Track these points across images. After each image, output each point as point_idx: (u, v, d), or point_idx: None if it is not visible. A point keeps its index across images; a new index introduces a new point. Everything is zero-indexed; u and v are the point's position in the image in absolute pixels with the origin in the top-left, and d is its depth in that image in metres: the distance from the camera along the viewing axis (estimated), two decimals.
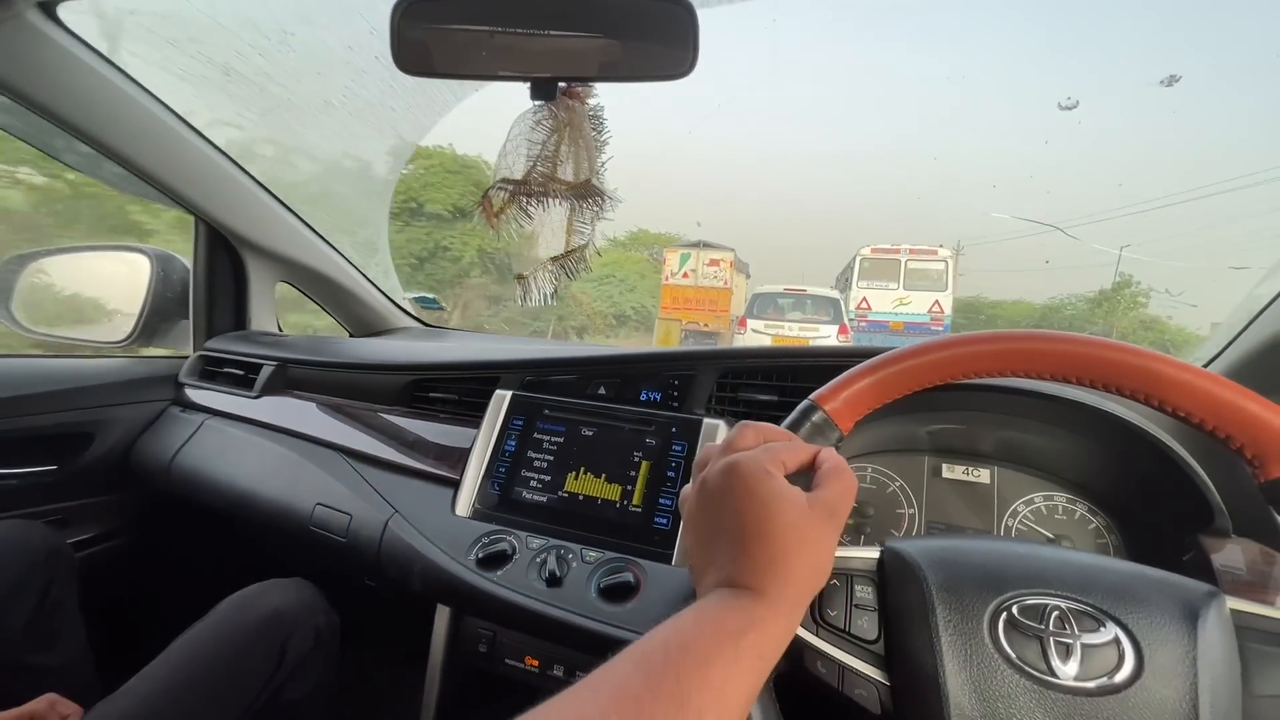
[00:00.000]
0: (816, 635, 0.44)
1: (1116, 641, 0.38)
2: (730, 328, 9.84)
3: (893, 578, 0.45)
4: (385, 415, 1.08)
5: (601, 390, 0.94)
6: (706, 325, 10.79)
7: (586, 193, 0.65)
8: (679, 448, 0.83)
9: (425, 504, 0.89)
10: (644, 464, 0.84)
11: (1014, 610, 0.40)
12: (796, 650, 0.44)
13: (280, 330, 1.52)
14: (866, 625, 0.44)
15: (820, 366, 0.86)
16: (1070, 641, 0.39)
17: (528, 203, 0.66)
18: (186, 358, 1.34)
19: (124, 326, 1.31)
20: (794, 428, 0.48)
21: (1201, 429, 0.43)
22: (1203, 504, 0.67)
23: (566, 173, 0.67)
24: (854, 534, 0.87)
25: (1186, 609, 0.39)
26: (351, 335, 1.64)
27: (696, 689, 0.33)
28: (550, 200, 0.67)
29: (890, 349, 0.53)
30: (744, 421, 0.47)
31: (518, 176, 0.65)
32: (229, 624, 0.77)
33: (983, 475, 0.85)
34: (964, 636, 0.40)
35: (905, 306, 11.09)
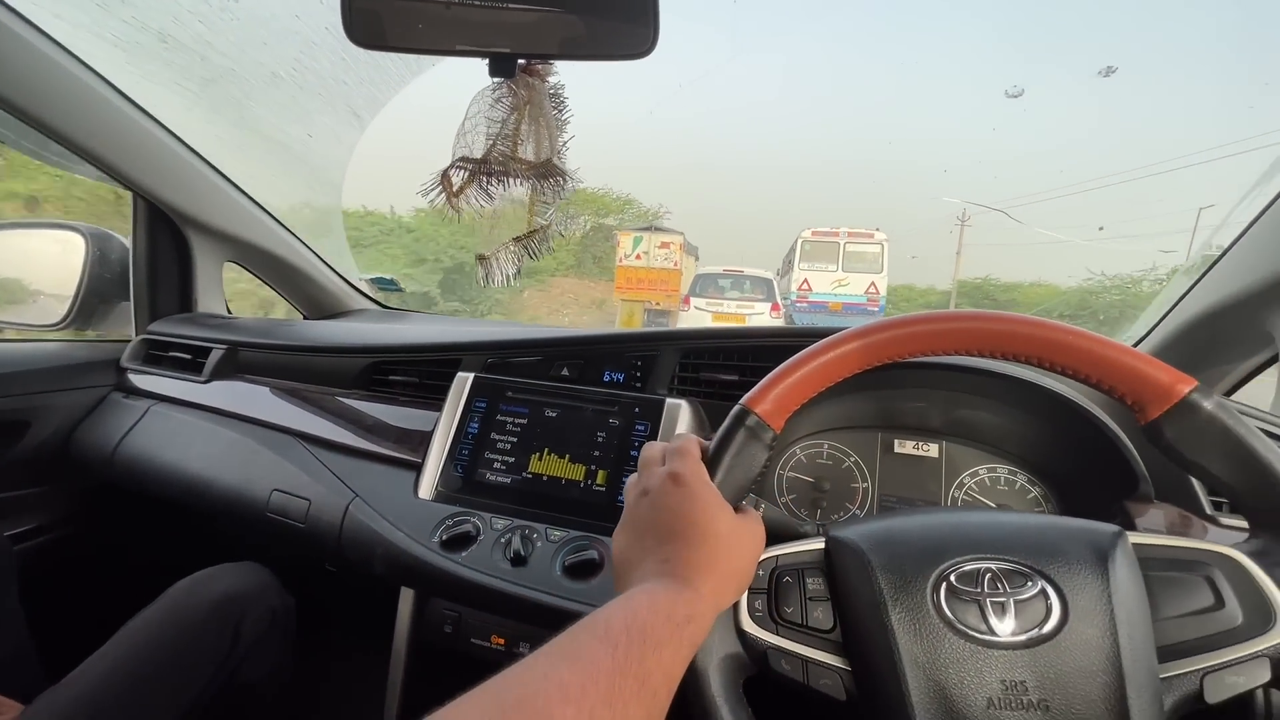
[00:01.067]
0: (777, 635, 0.45)
1: (1044, 593, 0.42)
2: (680, 306, 10.21)
3: (840, 565, 0.47)
4: (343, 399, 1.05)
5: (565, 371, 0.94)
6: (658, 304, 11.35)
7: (547, 172, 0.65)
8: (642, 427, 0.85)
9: (387, 488, 0.88)
10: (608, 444, 0.85)
11: (952, 579, 0.43)
12: (760, 652, 0.45)
13: (229, 312, 1.46)
14: (822, 616, 0.46)
15: (780, 346, 0.88)
16: (1004, 600, 0.42)
17: (488, 182, 0.65)
18: (128, 341, 1.28)
19: (58, 309, 1.24)
20: (729, 433, 0.50)
21: (1089, 383, 0.47)
22: (1129, 472, 0.72)
23: (527, 152, 0.66)
24: (811, 508, 0.90)
25: (1098, 552, 0.42)
26: (306, 318, 1.59)
27: (653, 669, 0.35)
28: (511, 180, 0.66)
29: (837, 329, 0.55)
30: (649, 444, 0.51)
31: (477, 155, 0.64)
32: (178, 608, 0.75)
33: (931, 450, 0.89)
34: (911, 611, 0.42)
35: (844, 288, 11.54)
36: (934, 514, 0.50)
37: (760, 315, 9.36)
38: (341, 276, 1.59)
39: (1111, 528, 0.45)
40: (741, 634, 0.46)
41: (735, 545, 0.44)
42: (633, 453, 0.83)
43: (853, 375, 0.51)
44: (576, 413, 0.88)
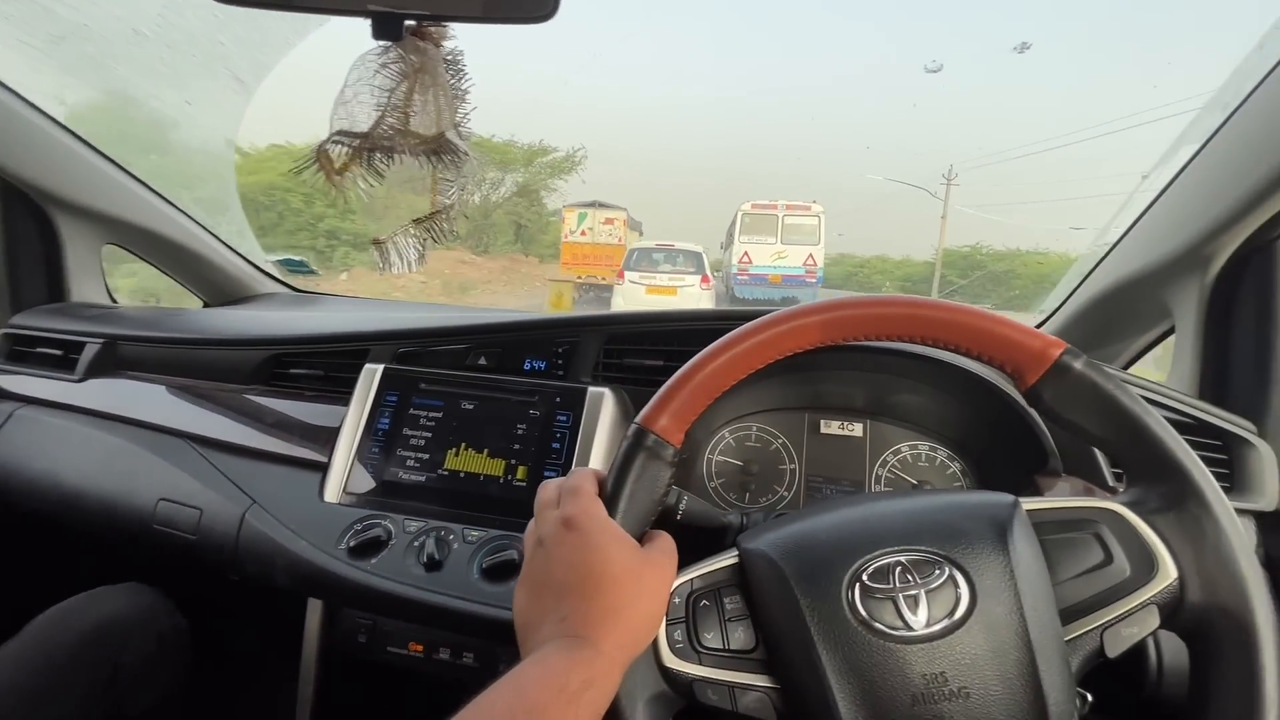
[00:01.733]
0: (700, 664, 0.44)
1: (952, 579, 0.41)
2: (615, 280, 10.32)
3: (754, 579, 0.45)
4: (241, 396, 0.97)
5: (482, 360, 0.89)
6: (604, 279, 11.25)
7: (441, 148, 0.59)
8: (564, 418, 0.81)
9: (289, 492, 0.81)
10: (528, 436, 0.81)
11: (864, 578, 0.42)
12: (685, 686, 0.43)
13: (113, 301, 1.32)
14: (743, 636, 0.44)
15: (703, 330, 0.85)
16: (916, 593, 0.41)
17: (378, 159, 0.59)
18: None
19: None
20: (629, 457, 0.47)
21: (971, 355, 0.47)
22: (1039, 447, 0.74)
23: (421, 125, 0.60)
24: (740, 492, 0.89)
25: (997, 527, 0.43)
26: (207, 304, 1.46)
27: None
28: (405, 157, 0.60)
29: (756, 311, 0.53)
30: (543, 483, 0.49)
31: (362, 128, 0.57)
32: (44, 643, 0.67)
33: (856, 429, 0.90)
34: (829, 618, 0.41)
35: (783, 260, 11.76)
36: (840, 509, 0.48)
37: (691, 287, 9.57)
38: (244, 258, 1.46)
39: (1007, 498, 0.45)
40: (664, 670, 0.44)
41: (639, 587, 0.41)
42: (555, 444, 0.80)
43: (750, 374, 0.49)
44: (495, 404, 0.83)
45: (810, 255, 11.69)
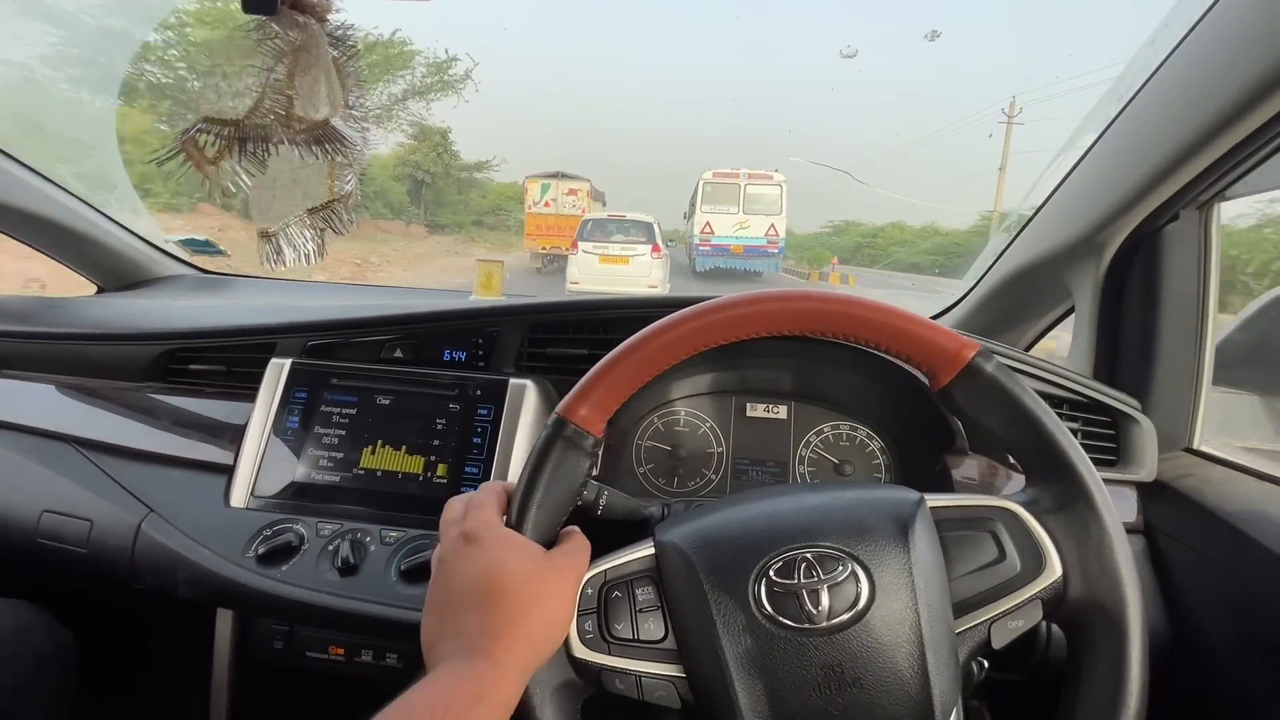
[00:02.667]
0: (609, 654, 0.44)
1: (854, 575, 0.43)
2: (570, 250, 10.16)
3: (668, 571, 0.46)
4: (134, 394, 0.90)
5: (398, 353, 0.85)
6: (568, 250, 11.06)
7: (325, 137, 0.54)
8: (485, 411, 0.79)
9: (190, 498, 0.77)
10: (448, 432, 0.78)
11: (771, 573, 0.43)
12: (594, 675, 0.44)
13: None
14: (653, 626, 0.45)
15: (628, 318, 0.84)
16: (819, 587, 0.43)
17: (255, 149, 0.54)
18: None
19: None
20: (547, 446, 0.47)
21: (889, 354, 0.48)
22: (949, 427, 0.77)
23: (305, 109, 0.55)
24: (669, 476, 0.90)
25: (899, 524, 0.44)
26: (103, 289, 1.34)
27: None
28: (286, 146, 0.55)
29: (681, 300, 0.53)
30: (450, 500, 0.47)
31: (235, 116, 0.52)
32: None
33: (781, 411, 0.92)
34: (734, 611, 0.42)
35: (745, 230, 11.67)
36: (753, 503, 0.50)
37: (642, 256, 9.54)
38: (141, 238, 1.35)
39: (913, 495, 0.47)
40: (573, 660, 0.44)
41: (539, 594, 0.41)
42: (476, 439, 0.77)
43: (674, 364, 0.49)
44: (413, 399, 0.80)
45: (772, 225, 11.59)
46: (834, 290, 0.49)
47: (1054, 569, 0.44)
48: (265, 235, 0.61)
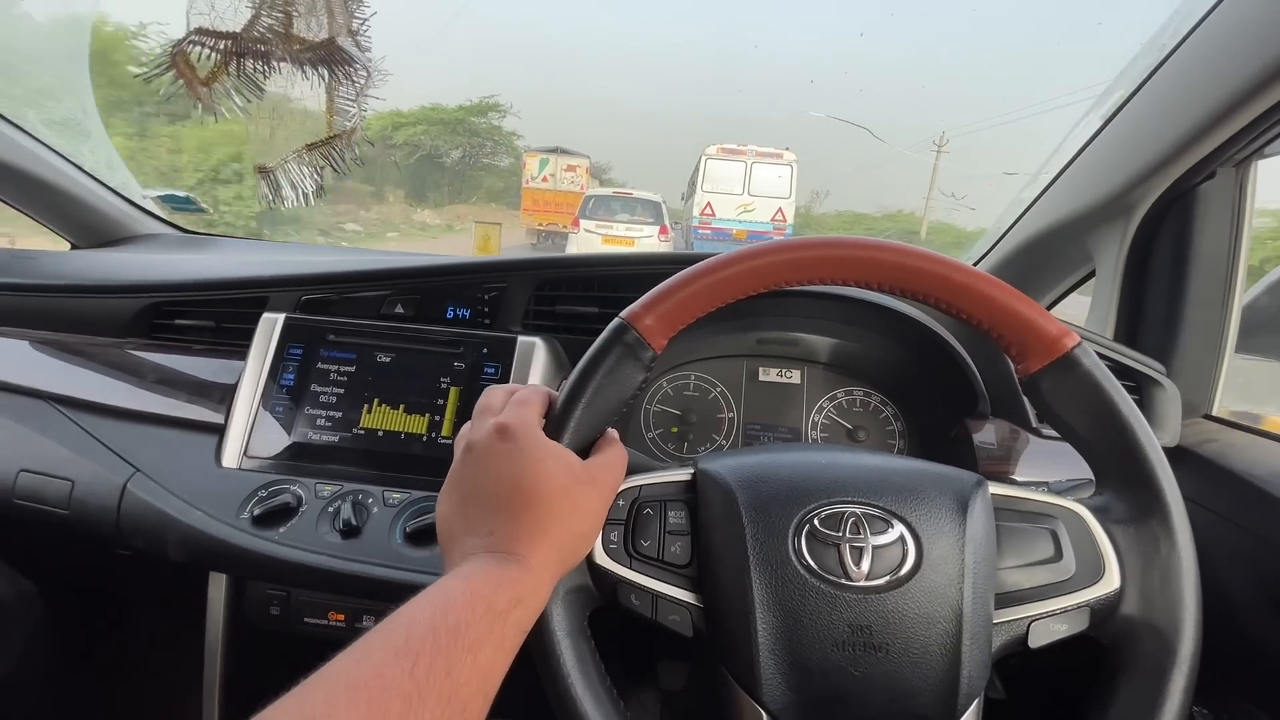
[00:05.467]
0: (630, 568, 0.44)
1: (902, 540, 0.41)
2: (570, 228, 9.82)
3: (705, 500, 0.45)
4: (117, 351, 0.85)
5: (399, 309, 0.81)
6: (565, 226, 10.86)
7: (332, 57, 0.50)
8: (491, 370, 0.75)
9: (179, 457, 0.73)
10: (453, 390, 0.75)
11: (815, 522, 0.42)
12: (610, 585, 0.44)
13: None
14: (679, 551, 0.44)
15: (641, 275, 0.81)
16: (863, 545, 0.41)
17: (254, 67, 0.49)
18: None
19: None
20: (605, 349, 0.45)
21: (977, 327, 0.46)
22: (969, 391, 0.75)
23: (307, 28, 0.51)
24: (678, 441, 0.87)
25: (959, 500, 0.43)
26: (75, 246, 1.27)
27: (466, 680, 0.30)
28: (287, 66, 0.50)
29: (708, 254, 0.50)
30: (490, 386, 0.46)
31: (232, 28, 0.48)
32: None
33: (794, 376, 0.89)
34: (770, 552, 0.41)
35: (750, 214, 10.69)
36: (805, 452, 0.48)
37: (649, 239, 9.10)
38: (117, 193, 1.27)
39: (973, 476, 0.45)
40: (593, 566, 0.44)
41: (573, 505, 0.39)
42: None
43: (743, 299, 0.47)
44: (415, 356, 0.76)
45: (780, 210, 10.56)
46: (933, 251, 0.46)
47: (1112, 579, 0.42)
48: (263, 170, 0.56)
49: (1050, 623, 0.42)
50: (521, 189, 12.59)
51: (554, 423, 0.43)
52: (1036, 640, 0.42)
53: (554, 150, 12.67)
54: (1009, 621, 0.42)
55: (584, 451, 0.44)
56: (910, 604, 0.40)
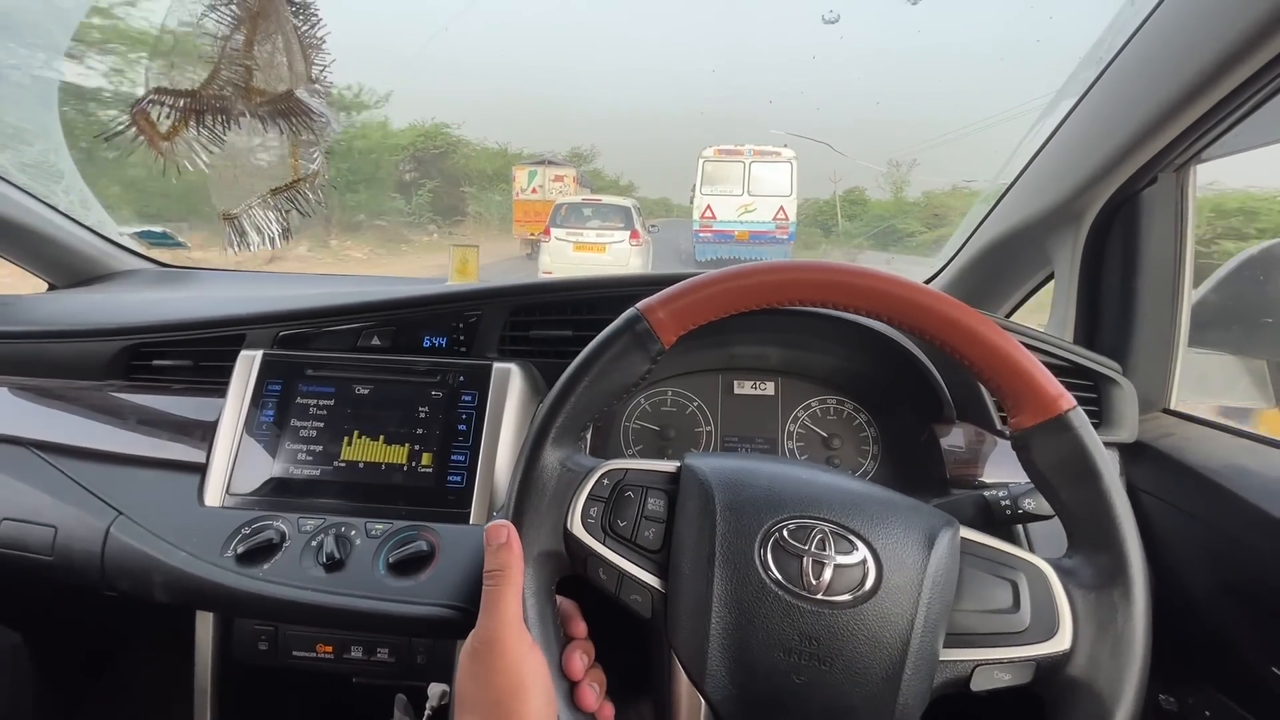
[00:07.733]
0: (603, 544, 0.46)
1: (864, 563, 0.43)
2: (541, 236, 9.79)
3: (685, 492, 0.47)
4: (96, 394, 0.85)
5: (376, 340, 0.82)
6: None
7: (291, 109, 0.51)
8: (469, 397, 0.77)
9: (162, 498, 0.73)
10: (432, 420, 0.76)
11: (784, 532, 0.44)
12: (581, 556, 0.46)
13: None
14: (652, 536, 0.46)
15: (615, 296, 0.83)
16: (826, 560, 0.43)
17: (215, 120, 0.51)
18: None
19: None
20: (614, 335, 0.47)
21: (979, 377, 0.47)
22: (935, 399, 0.78)
23: (266, 81, 0.52)
24: (657, 456, 0.89)
25: (927, 536, 0.44)
26: (54, 286, 1.28)
27: None
28: (248, 119, 0.52)
29: (679, 275, 0.51)
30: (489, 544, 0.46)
31: (190, 86, 0.49)
32: None
33: (768, 388, 0.91)
34: (737, 553, 0.43)
35: (751, 214, 10.49)
36: (789, 466, 0.50)
37: (620, 243, 9.01)
38: (93, 231, 1.28)
39: (946, 517, 0.46)
40: (568, 536, 0.46)
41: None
42: (461, 426, 0.75)
43: (755, 310, 0.48)
44: (393, 387, 0.78)
45: (781, 208, 10.32)
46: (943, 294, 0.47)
47: (1064, 640, 0.43)
48: (228, 217, 0.57)
49: (995, 670, 0.43)
50: (513, 201, 12.73)
51: (546, 406, 0.46)
52: (979, 684, 0.43)
53: (541, 162, 12.88)
54: (955, 661, 0.43)
55: (574, 436, 0.46)
56: (861, 625, 0.41)
